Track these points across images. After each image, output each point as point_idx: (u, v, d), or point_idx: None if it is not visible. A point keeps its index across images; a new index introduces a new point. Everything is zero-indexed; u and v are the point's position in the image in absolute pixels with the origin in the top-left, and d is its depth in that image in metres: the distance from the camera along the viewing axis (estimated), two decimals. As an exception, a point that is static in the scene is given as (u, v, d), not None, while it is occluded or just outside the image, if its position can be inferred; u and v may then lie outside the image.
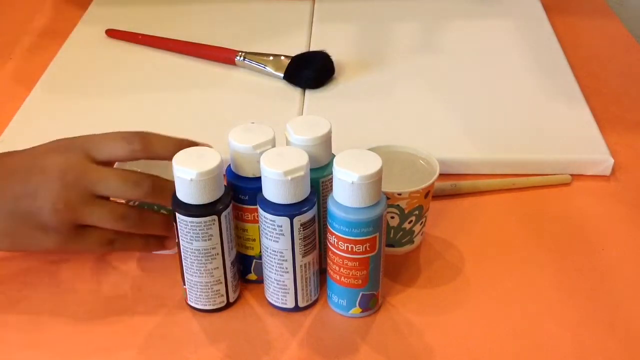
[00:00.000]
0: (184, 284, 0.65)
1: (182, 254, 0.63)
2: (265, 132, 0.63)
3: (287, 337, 0.63)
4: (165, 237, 0.67)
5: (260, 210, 0.61)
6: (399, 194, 0.66)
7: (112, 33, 1.04)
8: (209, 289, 0.64)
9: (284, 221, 0.60)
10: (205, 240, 0.61)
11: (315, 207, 0.61)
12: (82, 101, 0.91)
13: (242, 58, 0.95)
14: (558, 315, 0.65)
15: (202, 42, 0.99)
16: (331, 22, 1.07)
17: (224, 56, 0.96)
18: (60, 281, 0.69)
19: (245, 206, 0.64)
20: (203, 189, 0.59)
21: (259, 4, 1.11)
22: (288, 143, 0.63)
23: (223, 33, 1.02)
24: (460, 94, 0.91)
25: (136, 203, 0.67)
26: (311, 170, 0.61)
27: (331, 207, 0.60)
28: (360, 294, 0.64)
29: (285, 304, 0.65)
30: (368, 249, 0.61)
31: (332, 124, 0.64)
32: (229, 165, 0.64)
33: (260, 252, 0.64)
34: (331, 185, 0.61)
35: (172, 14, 1.10)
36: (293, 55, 0.93)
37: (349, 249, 0.61)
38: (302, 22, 1.07)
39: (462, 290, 0.67)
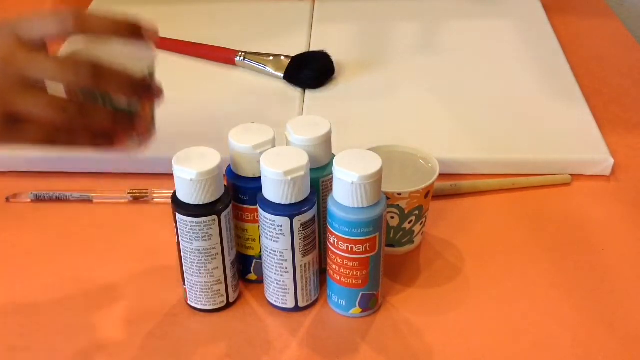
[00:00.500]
0: (184, 284, 0.65)
1: (182, 254, 0.63)
2: (265, 132, 0.63)
3: (287, 337, 0.63)
4: (114, 134, 0.60)
5: (260, 210, 0.61)
6: (399, 194, 0.66)
7: (112, 33, 1.03)
8: (209, 289, 0.64)
9: (284, 221, 0.60)
10: (205, 240, 0.61)
11: (315, 207, 0.61)
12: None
13: (242, 58, 0.95)
14: (558, 315, 0.65)
15: (202, 42, 0.99)
16: (331, 22, 1.07)
17: (224, 56, 0.96)
18: (60, 281, 0.69)
19: (245, 206, 0.64)
20: (203, 189, 0.59)
21: (259, 4, 1.11)
22: (288, 143, 0.63)
23: (223, 33, 1.02)
24: (460, 94, 0.91)
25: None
26: (311, 170, 0.61)
27: (331, 207, 0.60)
28: (360, 294, 0.64)
29: (285, 304, 0.65)
30: (368, 249, 0.61)
31: (332, 124, 0.64)
32: (229, 165, 0.64)
33: (260, 252, 0.64)
34: (331, 185, 0.61)
35: (172, 14, 1.09)
36: (293, 55, 0.93)
37: (349, 249, 0.61)
38: (302, 22, 1.07)
39: (462, 290, 0.67)
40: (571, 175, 0.80)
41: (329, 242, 0.62)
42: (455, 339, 0.63)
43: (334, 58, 0.93)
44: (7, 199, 0.77)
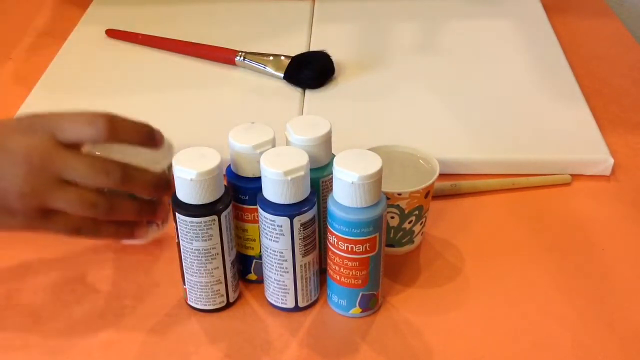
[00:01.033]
0: (184, 284, 0.65)
1: (182, 254, 0.63)
2: (265, 132, 0.63)
3: (287, 337, 0.63)
4: (136, 224, 0.66)
5: (260, 210, 0.61)
6: (399, 194, 0.66)
7: (112, 33, 1.04)
8: (209, 289, 0.64)
9: (284, 221, 0.60)
10: (205, 240, 0.61)
11: (315, 207, 0.61)
12: (82, 101, 0.91)
13: (242, 58, 0.95)
14: (558, 315, 0.65)
15: (202, 42, 0.99)
16: (331, 22, 1.07)
17: (224, 56, 0.96)
18: (59, 280, 0.69)
19: (245, 206, 0.64)
20: (203, 189, 0.59)
21: (259, 4, 1.11)
22: (288, 143, 0.63)
23: (223, 33, 1.02)
24: (460, 94, 0.91)
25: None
26: (311, 170, 0.61)
27: (331, 207, 0.60)
28: (360, 294, 0.64)
29: (285, 304, 0.65)
30: (368, 249, 0.61)
31: (332, 124, 0.64)
32: (229, 165, 0.64)
33: (260, 252, 0.64)
34: (331, 185, 0.61)
35: (172, 14, 1.09)
36: (293, 55, 0.93)
37: (349, 249, 0.61)
38: (302, 22, 1.07)
39: (462, 290, 0.67)
40: (571, 175, 0.80)
41: (329, 242, 0.62)
42: (455, 339, 0.63)
43: (334, 58, 0.93)
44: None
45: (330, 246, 0.62)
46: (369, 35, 1.04)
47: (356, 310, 0.64)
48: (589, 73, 0.97)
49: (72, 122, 0.63)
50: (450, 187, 0.78)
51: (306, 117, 0.65)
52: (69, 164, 0.61)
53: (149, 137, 0.65)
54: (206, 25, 1.06)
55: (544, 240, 0.73)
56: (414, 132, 0.84)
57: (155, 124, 0.86)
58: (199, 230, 0.61)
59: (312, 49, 0.99)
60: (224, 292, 0.65)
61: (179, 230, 0.61)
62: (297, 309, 0.65)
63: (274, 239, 0.61)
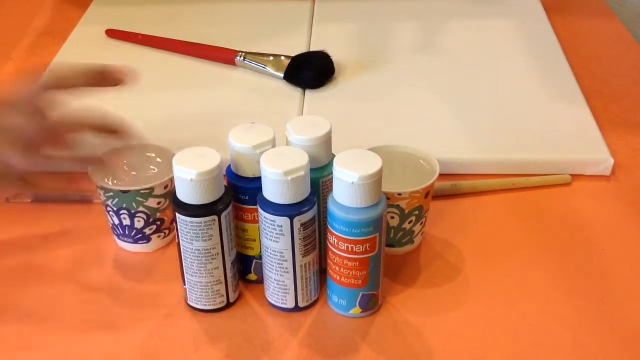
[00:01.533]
0: (184, 284, 0.65)
1: (182, 254, 0.63)
2: (265, 132, 0.63)
3: (287, 337, 0.63)
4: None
5: (260, 210, 0.61)
6: (399, 194, 0.66)
7: (112, 33, 1.04)
8: (209, 289, 0.64)
9: (284, 221, 0.60)
10: (205, 240, 0.61)
11: (315, 207, 0.61)
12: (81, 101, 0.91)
13: (242, 58, 0.95)
14: (558, 315, 0.65)
15: (202, 42, 0.99)
16: (331, 22, 1.07)
17: (224, 56, 0.96)
18: (59, 281, 0.69)
19: (245, 206, 0.64)
20: (203, 189, 0.59)
21: (259, 4, 1.11)
22: (288, 143, 0.63)
23: (223, 33, 1.02)
24: (460, 94, 0.91)
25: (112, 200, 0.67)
26: (311, 170, 0.61)
27: (331, 207, 0.60)
28: (360, 294, 0.64)
29: (285, 304, 0.65)
30: (368, 249, 0.61)
31: (332, 124, 0.64)
32: (229, 165, 0.64)
33: (260, 252, 0.64)
34: (331, 185, 0.61)
35: (172, 14, 1.10)
36: (293, 55, 0.93)
37: (349, 249, 0.61)
38: (302, 22, 1.07)
39: (462, 290, 0.67)
40: (571, 175, 0.80)
41: (329, 242, 0.62)
42: (455, 339, 0.63)
43: (334, 58, 0.93)
44: (7, 199, 0.77)
45: (330, 246, 0.62)
46: (369, 35, 1.04)
47: (356, 310, 0.64)
48: (589, 73, 0.97)
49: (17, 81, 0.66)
50: (450, 187, 0.78)
51: (306, 117, 0.65)
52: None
53: (99, 78, 0.68)
54: (206, 25, 1.06)
55: (544, 240, 0.73)
56: (414, 132, 0.84)
57: (155, 124, 0.86)
58: (199, 230, 0.61)
59: (312, 49, 0.99)
60: (224, 292, 0.65)
61: (179, 230, 0.61)
62: (297, 309, 0.65)
63: (274, 239, 0.61)
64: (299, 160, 0.59)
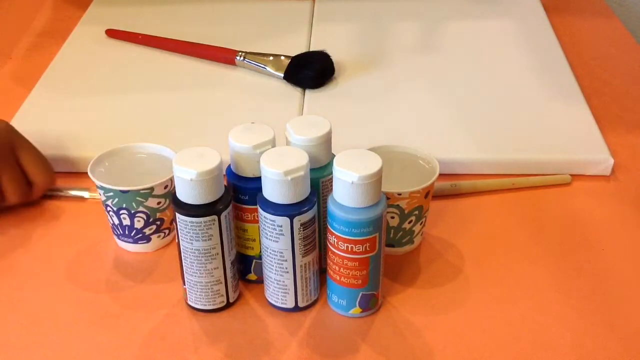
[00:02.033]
0: (184, 284, 0.65)
1: (182, 254, 0.63)
2: (265, 132, 0.63)
3: (287, 337, 0.63)
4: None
5: (260, 210, 0.61)
6: (399, 194, 0.66)
7: (112, 33, 1.04)
8: (209, 289, 0.64)
9: (284, 221, 0.60)
10: (205, 240, 0.61)
11: (315, 207, 0.61)
12: (82, 101, 0.91)
13: (242, 58, 0.95)
14: (558, 315, 0.65)
15: (202, 42, 0.99)
16: (331, 22, 1.07)
17: (224, 56, 0.96)
18: (59, 281, 0.69)
19: (245, 206, 0.64)
20: (203, 189, 0.59)
21: (259, 4, 1.11)
22: (288, 143, 0.63)
23: (223, 33, 1.02)
24: (460, 94, 0.91)
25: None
26: (311, 170, 0.61)
27: (331, 207, 0.60)
28: (360, 294, 0.64)
29: (285, 304, 0.65)
30: (368, 249, 0.61)
31: (332, 124, 0.64)
32: (229, 165, 0.64)
33: (260, 252, 0.64)
34: (331, 185, 0.61)
35: (172, 14, 1.09)
36: (293, 55, 0.93)
37: (349, 249, 0.61)
38: (302, 22, 1.07)
39: (462, 290, 0.67)
40: (571, 175, 0.80)
41: (329, 242, 0.62)
42: (455, 339, 0.63)
43: (334, 58, 0.93)
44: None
45: (330, 246, 0.62)
46: (369, 35, 1.04)
47: (356, 310, 0.64)
48: (589, 73, 0.97)
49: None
50: (450, 187, 0.78)
51: (306, 117, 0.65)
52: None
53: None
54: (206, 25, 1.06)
55: (544, 240, 0.73)
56: (414, 132, 0.84)
57: (155, 124, 0.86)
58: (199, 230, 0.61)
59: (312, 49, 0.99)
60: (224, 292, 0.65)
61: (179, 230, 0.61)
62: (297, 309, 0.65)
63: (274, 239, 0.61)
64: (299, 160, 0.59)
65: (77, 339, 0.63)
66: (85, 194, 0.77)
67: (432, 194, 0.70)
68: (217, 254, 0.62)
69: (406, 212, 0.68)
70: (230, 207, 0.62)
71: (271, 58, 0.94)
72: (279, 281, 0.64)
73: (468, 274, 0.69)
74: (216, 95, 0.92)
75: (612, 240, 0.73)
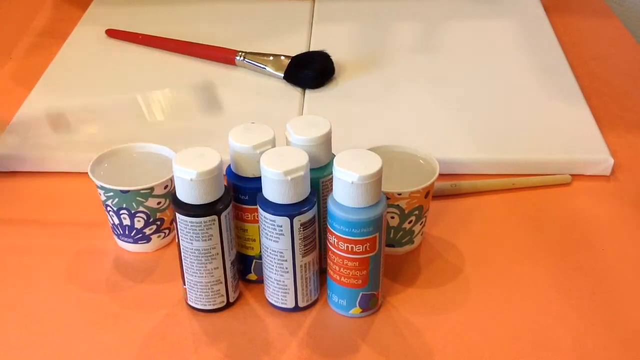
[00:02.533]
0: (184, 284, 0.65)
1: (182, 254, 0.63)
2: (265, 132, 0.63)
3: (287, 337, 0.63)
4: None
5: (260, 210, 0.61)
6: (399, 194, 0.66)
7: (112, 33, 1.04)
8: (209, 289, 0.64)
9: (284, 221, 0.60)
10: (205, 240, 0.61)
11: (315, 207, 0.61)
12: (82, 101, 0.91)
13: (242, 58, 0.95)
14: (558, 315, 0.65)
15: (202, 42, 0.99)
16: (331, 22, 1.07)
17: (224, 56, 0.96)
18: (59, 280, 0.69)
19: (245, 206, 0.64)
20: (203, 189, 0.59)
21: (259, 4, 1.11)
22: (288, 143, 0.63)
23: (223, 33, 1.02)
24: (460, 94, 0.91)
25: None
26: (311, 170, 0.61)
27: (331, 207, 0.60)
28: (360, 294, 0.64)
29: (285, 304, 0.65)
30: (368, 248, 0.61)
31: (332, 124, 0.64)
32: (229, 165, 0.64)
33: (260, 252, 0.64)
34: (331, 185, 0.61)
35: (172, 14, 1.10)
36: (293, 55, 0.93)
37: (349, 249, 0.61)
38: (302, 22, 1.07)
39: (462, 290, 0.67)
40: (571, 175, 0.80)
41: (329, 242, 0.62)
42: (455, 339, 0.63)
43: (334, 58, 0.93)
44: None
45: (330, 246, 0.62)
46: (369, 35, 1.04)
47: (356, 310, 0.64)
48: (589, 73, 0.97)
49: None
50: (450, 187, 0.78)
51: (306, 117, 0.65)
52: None
53: None
54: (206, 25, 1.06)
55: (544, 240, 0.73)
56: (414, 132, 0.84)
57: (155, 124, 0.86)
58: (199, 230, 0.61)
59: (312, 49, 0.99)
60: (224, 292, 0.65)
61: (179, 230, 0.61)
62: (297, 309, 0.65)
63: (274, 239, 0.61)
64: (299, 160, 0.59)
65: (77, 339, 0.63)
66: None
67: (432, 194, 0.70)
68: (217, 254, 0.62)
69: (406, 212, 0.68)
70: (230, 207, 0.62)
71: (271, 58, 0.94)
72: (279, 281, 0.64)
73: (468, 274, 0.69)
74: (216, 95, 0.92)
75: (612, 240, 0.73)
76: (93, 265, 0.71)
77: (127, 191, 0.67)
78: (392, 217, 0.68)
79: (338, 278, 0.63)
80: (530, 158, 0.81)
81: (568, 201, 0.77)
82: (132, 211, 0.68)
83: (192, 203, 0.60)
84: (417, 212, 0.68)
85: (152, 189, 0.67)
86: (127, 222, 0.69)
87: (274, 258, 0.62)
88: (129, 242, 0.71)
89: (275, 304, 0.65)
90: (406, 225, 0.69)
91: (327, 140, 0.63)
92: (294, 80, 0.92)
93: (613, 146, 0.82)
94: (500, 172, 0.80)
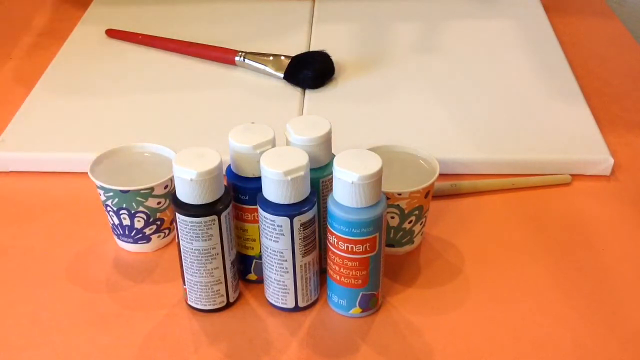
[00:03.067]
0: (184, 284, 0.65)
1: (182, 254, 0.63)
2: (265, 132, 0.63)
3: (287, 337, 0.63)
4: None
5: (260, 210, 0.61)
6: (399, 194, 0.66)
7: (112, 33, 1.04)
8: (209, 289, 0.64)
9: (284, 221, 0.60)
10: (205, 240, 0.61)
11: (315, 207, 0.61)
12: (82, 101, 0.91)
13: (242, 58, 0.95)
14: (558, 315, 0.65)
15: (202, 42, 0.99)
16: (331, 22, 1.07)
17: (224, 56, 0.96)
18: (59, 281, 0.69)
19: (245, 206, 0.64)
20: (203, 189, 0.59)
21: (259, 4, 1.11)
22: (288, 143, 0.63)
23: (223, 33, 1.02)
24: (460, 94, 0.91)
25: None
26: (311, 170, 0.61)
27: (331, 207, 0.60)
28: (360, 294, 0.64)
29: (285, 304, 0.65)
30: (368, 249, 0.61)
31: (332, 124, 0.64)
32: (229, 165, 0.64)
33: (260, 252, 0.64)
34: (331, 185, 0.61)
35: (172, 14, 1.10)
36: (293, 55, 0.93)
37: (349, 249, 0.61)
38: (302, 22, 1.07)
39: (462, 290, 0.67)
40: (571, 175, 0.80)
41: (329, 242, 0.62)
42: (455, 339, 0.63)
43: (334, 58, 0.93)
44: None
45: (330, 246, 0.62)
46: (369, 35, 1.04)
47: (356, 310, 0.64)
48: (589, 73, 0.97)
49: None
50: (450, 187, 0.78)
51: (306, 117, 0.65)
52: None
53: None
54: (206, 25, 1.06)
55: (544, 240, 0.73)
56: (414, 132, 0.84)
57: (155, 124, 0.86)
58: (199, 230, 0.61)
59: (312, 49, 0.99)
60: (224, 292, 0.65)
61: (179, 230, 0.61)
62: (297, 309, 0.65)
63: (274, 239, 0.61)
64: (299, 160, 0.59)
65: (77, 339, 0.63)
66: None
67: (432, 194, 0.70)
68: (217, 254, 0.62)
69: (406, 212, 0.68)
70: (230, 207, 0.62)
71: (271, 58, 0.94)
72: (279, 281, 0.64)
73: (468, 274, 0.69)
74: (216, 95, 0.92)
75: (612, 240, 0.73)
76: (93, 265, 0.71)
77: (127, 191, 0.67)
78: (392, 217, 0.68)
79: (338, 278, 0.63)
80: (530, 158, 0.81)
81: (568, 201, 0.77)
82: (132, 211, 0.68)
83: (192, 203, 0.60)
84: (417, 212, 0.68)
85: (152, 189, 0.67)
86: (127, 222, 0.69)
87: (274, 258, 0.62)
88: (129, 242, 0.71)
89: (275, 304, 0.65)
90: (406, 225, 0.69)
91: (327, 140, 0.63)
92: (294, 80, 0.92)
93: (613, 146, 0.82)
94: (500, 172, 0.80)
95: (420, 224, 0.70)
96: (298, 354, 0.62)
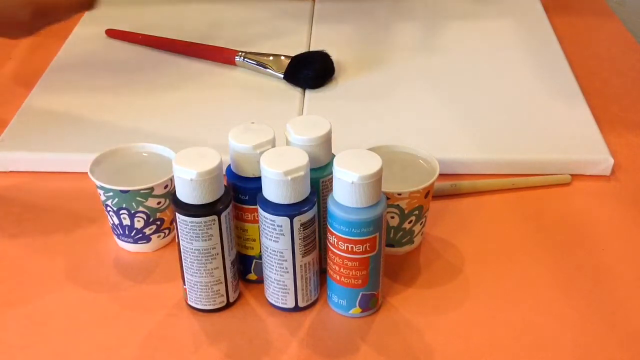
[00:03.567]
0: (184, 284, 0.65)
1: (182, 254, 0.63)
2: (265, 132, 0.63)
3: (287, 337, 0.63)
4: None
5: (260, 210, 0.61)
6: (399, 194, 0.66)
7: (112, 33, 1.04)
8: (209, 289, 0.64)
9: (284, 221, 0.60)
10: (205, 240, 0.61)
11: (315, 207, 0.61)
12: (82, 101, 0.91)
13: (242, 58, 0.95)
14: (558, 315, 0.65)
15: (202, 42, 0.99)
16: (331, 22, 1.07)
17: (224, 56, 0.96)
18: (60, 281, 0.69)
19: (245, 206, 0.64)
20: (203, 189, 0.59)
21: (259, 4, 1.11)
22: (288, 143, 0.63)
23: (223, 33, 1.02)
24: (460, 94, 0.91)
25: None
26: (311, 170, 0.61)
27: (331, 207, 0.60)
28: (360, 294, 0.64)
29: (285, 304, 0.65)
30: (368, 249, 0.61)
31: (332, 124, 0.64)
32: (229, 165, 0.64)
33: (261, 252, 0.64)
34: (331, 185, 0.61)
35: (172, 14, 1.10)
36: (293, 55, 0.93)
37: (349, 249, 0.61)
38: (302, 22, 1.07)
39: (462, 290, 0.67)
40: (571, 175, 0.80)
41: (329, 242, 0.62)
42: (455, 339, 0.63)
43: (334, 58, 0.93)
44: None
45: (330, 246, 0.62)
46: (369, 35, 1.04)
47: (356, 310, 0.64)
48: (589, 73, 0.97)
49: None
50: (450, 187, 0.78)
51: (306, 117, 0.65)
52: None
53: None
54: (206, 25, 1.06)
55: (544, 240, 0.73)
56: (414, 132, 0.84)
57: (155, 124, 0.86)
58: (199, 230, 0.61)
59: (312, 49, 0.99)
60: (224, 292, 0.65)
61: (179, 231, 0.61)
62: (297, 309, 0.65)
63: (274, 239, 0.61)
64: (299, 160, 0.59)
65: (77, 339, 0.63)
66: None
67: (432, 194, 0.70)
68: (217, 254, 0.62)
69: (406, 212, 0.68)
70: (230, 207, 0.62)
71: (271, 58, 0.94)
72: (279, 281, 0.64)
73: (468, 274, 0.69)
74: (216, 95, 0.92)
75: (612, 240, 0.73)
76: (93, 265, 0.71)
77: (127, 191, 0.67)
78: (392, 217, 0.68)
79: (338, 278, 0.63)
80: (530, 158, 0.81)
81: (568, 201, 0.77)
82: (132, 211, 0.68)
83: (192, 203, 0.60)
84: (417, 212, 0.68)
85: (152, 189, 0.67)
86: (127, 222, 0.69)
87: (274, 258, 0.62)
88: (129, 242, 0.71)
89: (275, 304, 0.65)
90: (406, 225, 0.69)
91: (327, 140, 0.63)
92: (294, 80, 0.92)
93: (613, 146, 0.82)
94: (500, 172, 0.80)
95: (420, 224, 0.70)
96: (298, 354, 0.62)
